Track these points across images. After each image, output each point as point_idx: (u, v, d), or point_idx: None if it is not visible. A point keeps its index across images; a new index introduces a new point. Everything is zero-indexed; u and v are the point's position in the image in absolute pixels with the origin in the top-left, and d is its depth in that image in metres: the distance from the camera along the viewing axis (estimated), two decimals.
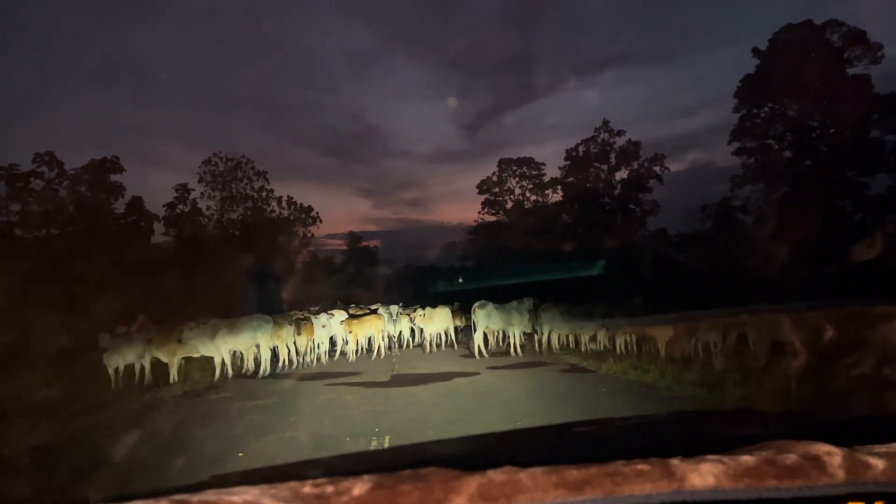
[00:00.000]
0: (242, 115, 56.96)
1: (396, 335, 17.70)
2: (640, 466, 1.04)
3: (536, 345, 15.77)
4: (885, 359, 7.80)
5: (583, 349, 15.19)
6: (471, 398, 8.90)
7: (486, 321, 14.80)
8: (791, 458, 1.08)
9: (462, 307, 17.64)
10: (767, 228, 28.74)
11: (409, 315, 17.47)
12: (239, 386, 11.70)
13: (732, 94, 31.73)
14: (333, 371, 13.16)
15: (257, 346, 13.49)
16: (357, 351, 15.85)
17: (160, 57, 51.54)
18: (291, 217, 37.60)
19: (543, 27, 57.95)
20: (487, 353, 14.83)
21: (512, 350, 15.03)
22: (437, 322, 16.44)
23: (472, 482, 1.00)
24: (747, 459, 1.07)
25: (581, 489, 0.99)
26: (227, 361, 12.90)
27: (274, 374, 13.11)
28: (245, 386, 11.68)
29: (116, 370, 12.56)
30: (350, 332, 15.57)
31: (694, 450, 1.12)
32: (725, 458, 1.08)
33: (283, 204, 37.54)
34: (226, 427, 7.64)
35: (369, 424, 7.27)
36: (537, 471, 1.03)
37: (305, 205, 38.03)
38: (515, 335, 15.19)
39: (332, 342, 16.31)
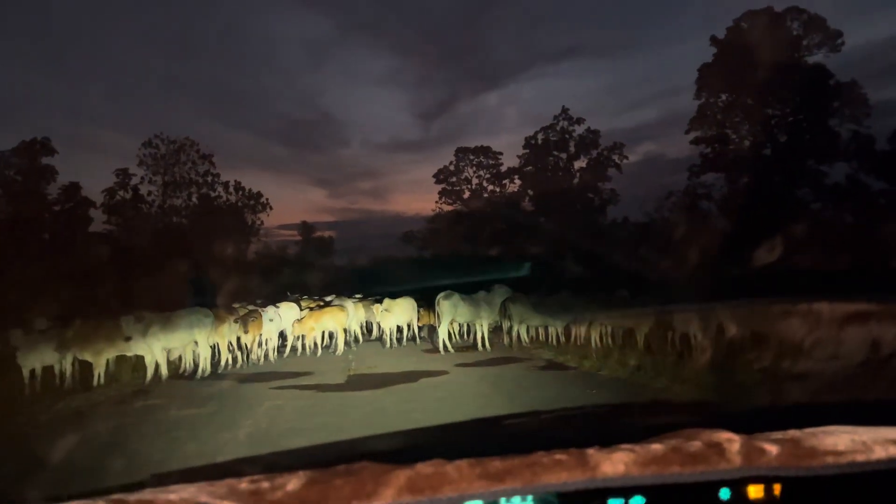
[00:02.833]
0: (190, 102, 54.14)
1: (352, 330, 16.37)
2: (558, 456, 1.09)
3: (504, 338, 14.65)
4: (783, 353, 8.41)
5: (552, 342, 14.17)
6: (442, 405, 7.58)
7: (452, 313, 13.56)
8: (695, 445, 1.14)
9: (422, 298, 16.14)
10: (727, 218, 28.62)
11: (366, 306, 16.06)
12: (172, 389, 10.23)
13: (684, 86, 31.56)
14: (282, 371, 11.76)
15: (196, 343, 12.00)
16: (310, 346, 14.46)
17: (101, 37, 48.23)
18: (239, 203, 35.53)
19: (500, 17, 56.84)
20: (453, 347, 13.64)
21: (480, 344, 13.85)
22: (398, 314, 15.08)
23: (402, 475, 1.02)
24: (656, 448, 1.12)
25: (502, 479, 1.03)
26: (162, 361, 11.35)
27: (216, 375, 11.67)
28: (180, 389, 10.23)
29: (32, 372, 10.97)
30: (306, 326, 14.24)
31: (613, 440, 1.16)
32: (636, 447, 1.13)
33: (231, 189, 35.48)
34: (145, 447, 6.21)
35: (322, 443, 5.94)
36: (462, 463, 1.06)
37: (254, 190, 36.11)
38: (484, 328, 14.00)
39: (283, 337, 14.91)
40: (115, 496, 0.97)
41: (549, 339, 14.43)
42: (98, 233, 31.55)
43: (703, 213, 29.80)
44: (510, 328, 14.39)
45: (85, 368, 11.40)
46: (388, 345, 14.92)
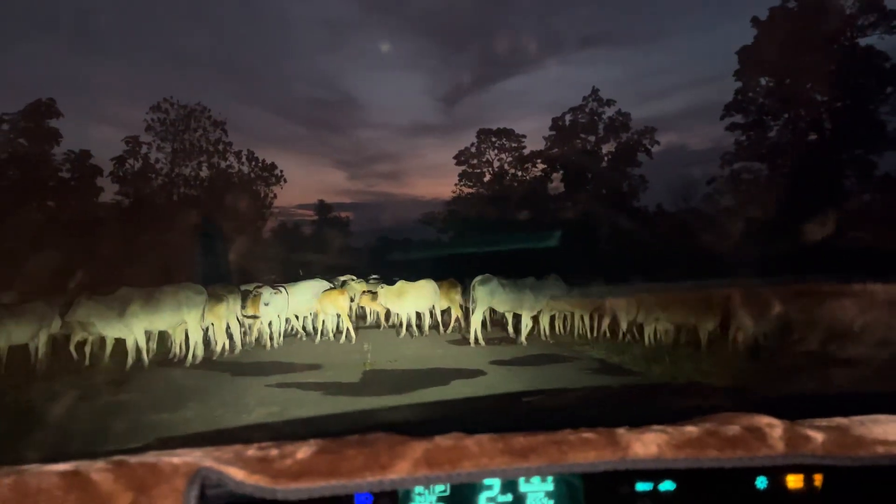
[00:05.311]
0: (205, 79, 52.42)
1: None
2: (585, 435, 1.03)
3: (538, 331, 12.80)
4: (832, 336, 7.88)
5: (586, 335, 12.79)
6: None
7: (489, 301, 11.67)
8: (733, 429, 1.07)
9: (442, 281, 14.18)
10: (765, 206, 26.83)
11: (377, 288, 13.91)
12: (153, 381, 8.51)
13: (709, 76, 29.83)
14: (286, 361, 9.99)
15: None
16: (321, 332, 12.88)
17: (116, 5, 46.23)
18: (252, 175, 33.71)
19: (524, 1, 54.60)
20: (484, 339, 11.77)
21: (522, 337, 11.93)
22: (418, 299, 13.11)
23: (418, 447, 0.97)
24: (690, 430, 1.06)
25: (526, 456, 0.97)
26: (143, 345, 9.63)
27: (209, 362, 9.96)
28: (160, 382, 8.51)
29: None
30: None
31: (641, 421, 1.10)
32: (669, 429, 1.07)
33: (243, 160, 33.67)
34: None
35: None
36: (484, 437, 1.00)
37: (268, 162, 34.28)
38: (527, 319, 12.05)
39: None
40: (117, 457, 0.90)
41: (581, 332, 13.12)
42: (108, 203, 30.16)
43: (748, 198, 27.94)
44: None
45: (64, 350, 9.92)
46: (402, 333, 13.05)
